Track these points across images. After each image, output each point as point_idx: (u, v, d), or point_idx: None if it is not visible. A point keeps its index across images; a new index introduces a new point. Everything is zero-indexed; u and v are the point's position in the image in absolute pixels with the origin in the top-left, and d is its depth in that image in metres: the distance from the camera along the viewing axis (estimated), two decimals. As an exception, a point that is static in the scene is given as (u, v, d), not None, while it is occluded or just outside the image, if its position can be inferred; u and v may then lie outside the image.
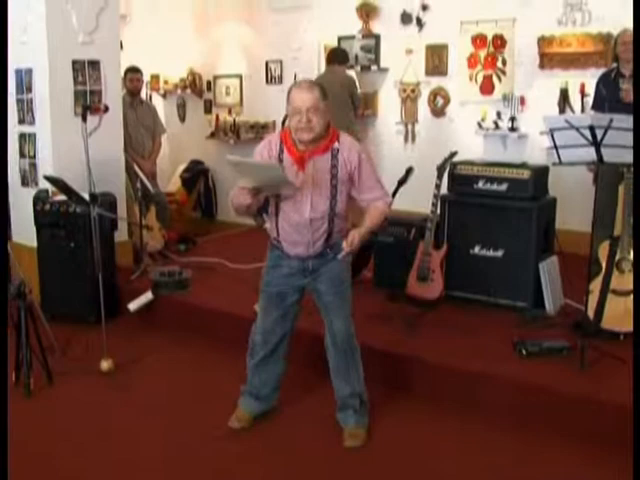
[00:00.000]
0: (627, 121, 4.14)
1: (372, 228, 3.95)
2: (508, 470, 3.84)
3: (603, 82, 6.05)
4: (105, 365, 5.05)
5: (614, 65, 6.09)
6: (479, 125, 7.71)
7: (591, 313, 4.69)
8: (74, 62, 6.31)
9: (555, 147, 4.44)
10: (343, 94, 7.79)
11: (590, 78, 6.89)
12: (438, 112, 8.16)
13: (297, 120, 3.75)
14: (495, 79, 7.64)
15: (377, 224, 4.00)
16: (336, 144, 3.88)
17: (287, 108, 3.86)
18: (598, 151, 4.25)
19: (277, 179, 3.67)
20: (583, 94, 7.01)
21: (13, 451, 3.97)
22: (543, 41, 7.28)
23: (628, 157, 4.20)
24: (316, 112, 3.74)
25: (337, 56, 7.98)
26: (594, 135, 4.21)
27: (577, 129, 4.25)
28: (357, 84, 8.10)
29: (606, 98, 5.91)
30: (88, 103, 6.21)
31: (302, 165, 3.82)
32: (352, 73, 8.33)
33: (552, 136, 4.41)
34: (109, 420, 4.44)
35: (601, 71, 6.68)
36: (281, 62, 9.21)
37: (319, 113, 3.76)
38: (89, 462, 3.96)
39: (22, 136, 6.49)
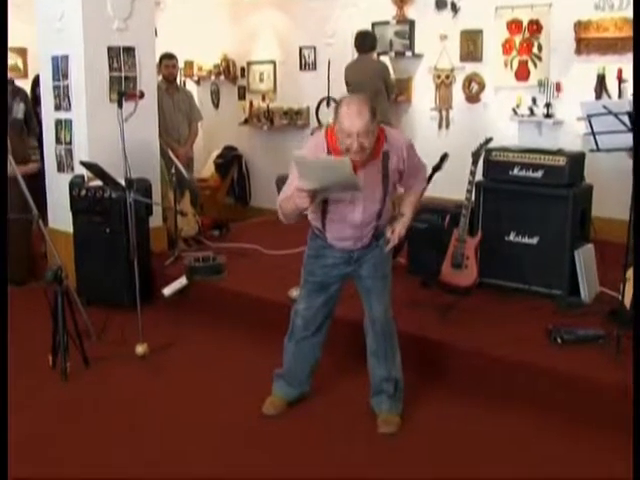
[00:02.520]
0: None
1: (413, 216, 4.05)
2: (543, 458, 3.83)
3: None
4: (140, 349, 5.10)
5: None
6: (514, 111, 7.65)
7: (627, 301, 4.65)
8: (109, 49, 6.35)
9: (593, 133, 4.39)
10: (376, 82, 7.75)
11: (627, 64, 6.81)
12: (473, 98, 8.10)
13: (348, 143, 3.59)
14: (530, 65, 7.56)
15: (416, 209, 4.08)
16: (385, 146, 3.76)
17: (335, 121, 3.67)
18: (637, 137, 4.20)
19: (342, 178, 3.53)
20: (620, 80, 6.92)
21: (50, 434, 4.03)
22: (580, 26, 7.19)
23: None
24: (366, 135, 3.58)
25: (364, 43, 7.92)
26: (632, 121, 4.16)
27: (615, 115, 4.20)
28: (390, 70, 8.07)
29: None
30: (123, 89, 6.23)
31: (354, 171, 3.66)
32: (385, 59, 8.30)
33: (589, 122, 4.37)
34: (145, 403, 4.48)
35: (639, 56, 6.61)
36: (315, 48, 9.19)
37: (370, 135, 3.61)
38: (125, 445, 4.00)
39: (58, 122, 6.55)
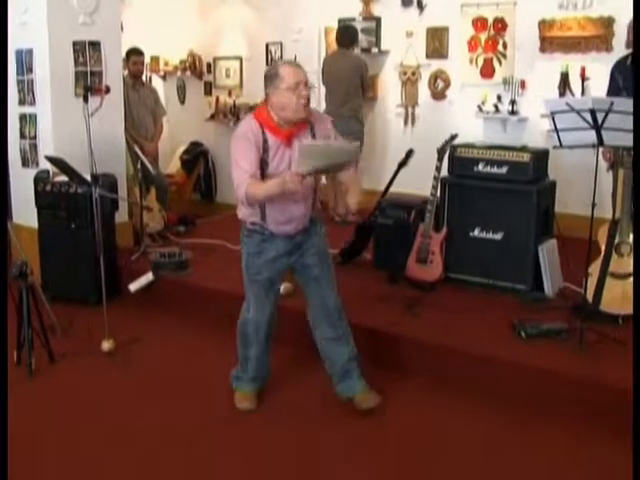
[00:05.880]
0: (628, 104, 4.15)
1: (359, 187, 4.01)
2: (508, 450, 3.88)
3: (618, 70, 5.90)
4: (106, 345, 5.08)
5: (628, 51, 6.05)
6: (479, 108, 7.71)
7: (590, 296, 4.72)
8: (75, 43, 6.30)
9: (556, 130, 4.45)
10: (354, 78, 7.72)
11: (591, 62, 6.93)
12: (438, 95, 8.16)
13: (297, 96, 3.76)
14: (496, 62, 7.63)
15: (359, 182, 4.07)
16: (311, 118, 3.96)
17: (272, 90, 3.82)
18: (599, 134, 4.26)
19: (343, 160, 3.70)
20: (583, 78, 7.01)
21: (15, 431, 4.00)
22: (544, 25, 7.27)
23: (629, 141, 4.21)
24: (307, 86, 3.82)
25: (345, 37, 7.87)
26: (595, 118, 4.22)
27: (578, 112, 4.26)
28: (367, 67, 8.05)
29: (623, 86, 5.80)
30: (89, 84, 6.20)
31: (289, 144, 3.87)
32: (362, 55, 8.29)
33: (553, 119, 4.42)
34: (110, 400, 4.47)
35: (602, 55, 6.74)
36: (281, 44, 9.19)
37: (308, 89, 3.86)
38: (89, 441, 3.99)
39: (22, 117, 6.50)
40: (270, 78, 3.83)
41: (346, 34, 7.86)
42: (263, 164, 3.86)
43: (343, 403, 4.29)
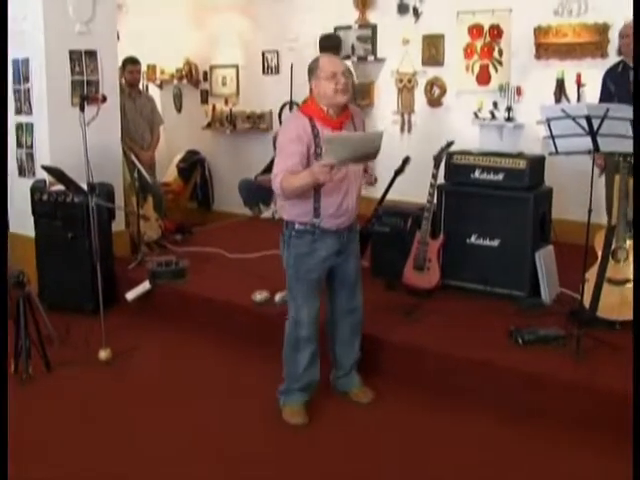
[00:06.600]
0: (623, 110, 4.16)
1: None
2: (505, 457, 3.88)
3: (610, 77, 5.96)
4: (103, 354, 5.07)
5: (620, 58, 6.07)
6: (475, 115, 7.72)
7: (587, 302, 4.72)
8: (71, 52, 6.31)
9: (552, 137, 4.45)
10: None
11: (586, 68, 6.94)
12: (434, 102, 8.17)
13: (334, 83, 3.90)
14: (491, 69, 7.64)
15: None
16: (350, 109, 4.14)
17: (314, 81, 3.98)
18: (594, 140, 4.27)
19: (370, 149, 3.78)
20: (579, 84, 7.02)
21: (11, 440, 3.99)
22: (539, 31, 7.28)
23: (625, 146, 4.22)
24: (347, 76, 3.97)
25: (329, 46, 7.85)
26: (590, 124, 4.22)
27: (574, 118, 4.26)
28: (354, 75, 8.07)
29: (615, 93, 5.83)
30: (85, 93, 6.21)
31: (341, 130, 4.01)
32: (348, 63, 8.30)
33: (549, 126, 4.43)
34: (107, 409, 4.46)
35: (597, 62, 6.73)
36: (277, 52, 9.21)
37: (349, 79, 3.99)
38: (86, 450, 3.98)
39: (19, 126, 6.50)
40: (312, 70, 4.02)
41: (329, 43, 7.87)
42: (317, 158, 3.90)
43: (342, 411, 4.32)
